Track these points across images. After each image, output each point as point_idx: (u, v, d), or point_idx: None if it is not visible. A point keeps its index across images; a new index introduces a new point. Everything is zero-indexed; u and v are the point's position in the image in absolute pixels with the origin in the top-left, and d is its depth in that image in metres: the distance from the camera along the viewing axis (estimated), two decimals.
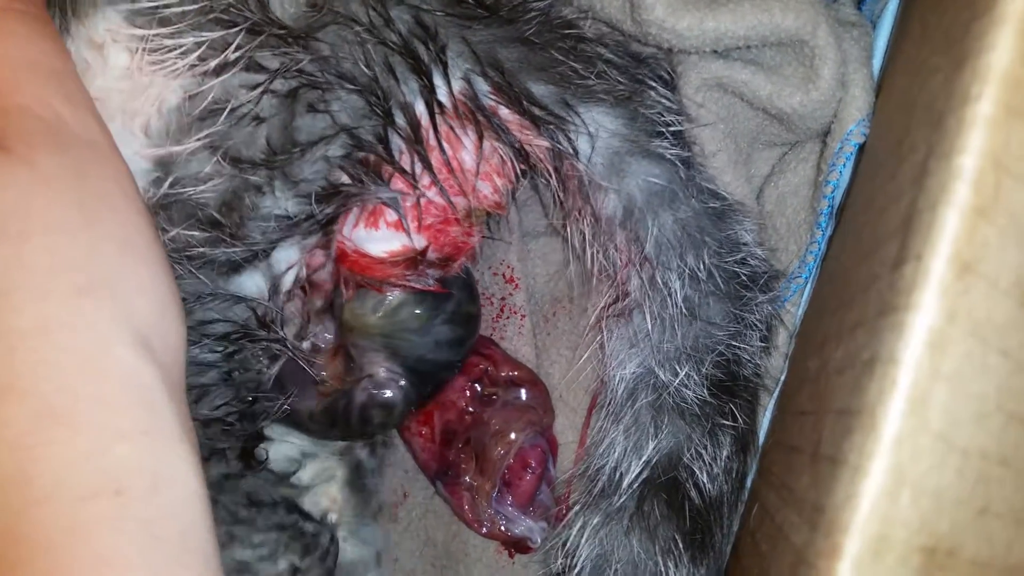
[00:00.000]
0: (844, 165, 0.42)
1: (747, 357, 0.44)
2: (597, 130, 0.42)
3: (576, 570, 0.43)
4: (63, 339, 0.28)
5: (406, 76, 0.39)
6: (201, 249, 0.38)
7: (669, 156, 0.42)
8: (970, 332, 0.24)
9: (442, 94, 0.40)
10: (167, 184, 0.37)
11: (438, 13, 0.39)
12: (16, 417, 0.27)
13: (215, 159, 0.37)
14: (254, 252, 0.40)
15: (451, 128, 0.42)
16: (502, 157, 0.44)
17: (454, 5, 0.39)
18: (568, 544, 0.44)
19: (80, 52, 0.37)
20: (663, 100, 0.43)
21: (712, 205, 0.44)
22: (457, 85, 0.40)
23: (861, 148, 0.42)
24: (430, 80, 0.39)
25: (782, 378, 0.45)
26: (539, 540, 0.48)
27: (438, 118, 0.41)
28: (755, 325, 0.44)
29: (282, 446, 0.48)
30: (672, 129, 0.42)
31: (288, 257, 0.42)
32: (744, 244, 0.44)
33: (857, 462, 0.24)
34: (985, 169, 0.24)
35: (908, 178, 0.28)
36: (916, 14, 0.39)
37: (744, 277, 0.44)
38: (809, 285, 0.45)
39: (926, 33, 0.35)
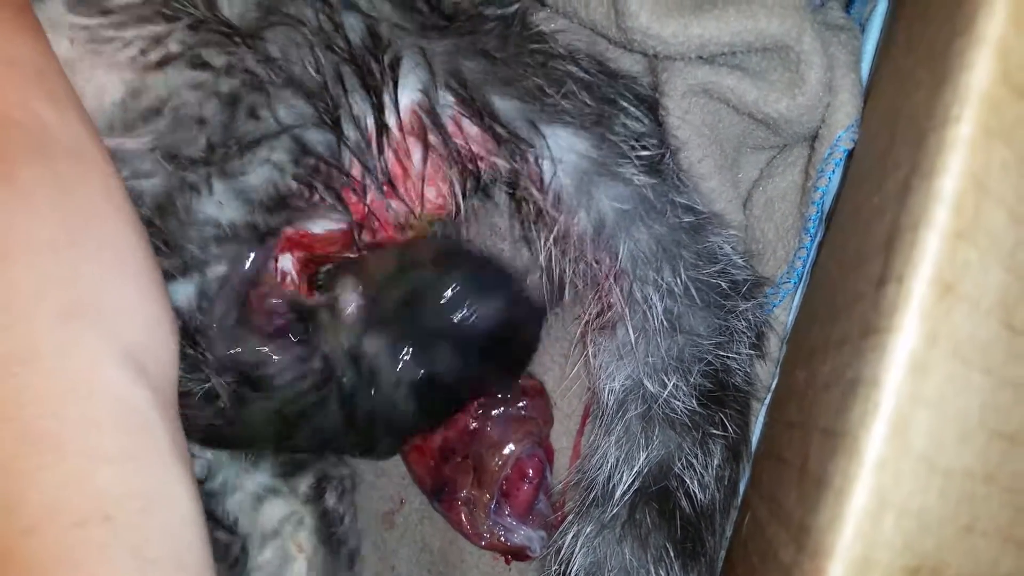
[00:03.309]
0: (833, 172, 0.42)
1: (736, 366, 0.44)
2: (562, 154, 0.42)
3: None
4: (49, 363, 0.27)
5: (355, 88, 0.39)
6: None
7: (636, 181, 0.42)
8: (952, 354, 0.24)
9: (390, 112, 0.40)
10: None
11: (395, 25, 0.38)
12: (1, 443, 0.27)
13: (153, 156, 0.36)
14: (186, 264, 0.38)
15: (399, 144, 0.42)
16: (446, 176, 0.44)
17: (409, 13, 0.38)
18: (562, 552, 0.44)
19: None
20: (633, 123, 0.43)
21: (687, 220, 0.44)
22: (413, 98, 0.40)
23: (850, 154, 0.42)
24: (379, 98, 0.39)
25: (773, 384, 0.45)
26: (538, 549, 0.48)
27: (384, 134, 0.40)
28: (743, 332, 0.44)
29: (246, 481, 0.48)
30: (638, 154, 0.42)
31: (220, 271, 0.40)
32: (723, 255, 0.44)
33: (841, 485, 0.24)
34: (965, 191, 0.24)
35: (892, 194, 0.28)
36: (903, 21, 0.39)
37: (725, 287, 0.44)
38: (799, 291, 0.45)
39: (912, 42, 0.35)
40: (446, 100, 0.41)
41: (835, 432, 0.26)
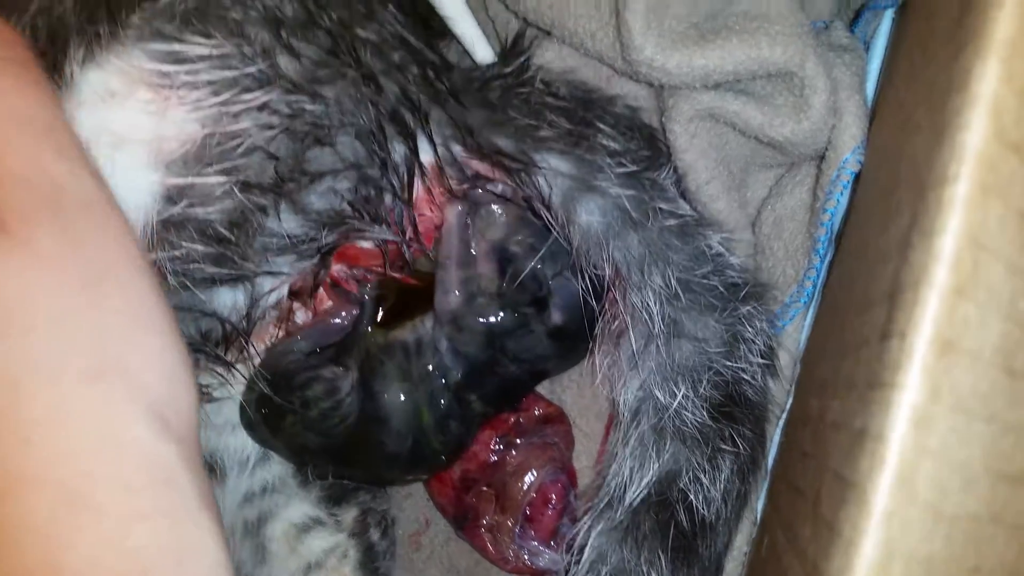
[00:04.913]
0: (841, 194, 0.43)
1: (747, 377, 0.45)
2: (553, 176, 0.45)
3: (579, 567, 0.45)
4: (77, 426, 0.28)
5: (393, 136, 0.42)
6: (201, 265, 0.40)
7: (613, 193, 0.44)
8: (954, 407, 0.25)
9: (426, 156, 0.44)
10: (180, 205, 0.39)
11: (422, 94, 0.43)
12: (39, 507, 0.27)
13: (228, 186, 0.39)
14: (249, 274, 0.42)
15: (431, 181, 0.46)
16: None
17: (429, 87, 0.43)
18: (575, 543, 0.46)
19: (108, 83, 0.38)
20: (608, 142, 0.45)
21: (672, 223, 0.45)
22: (437, 146, 0.44)
23: (857, 175, 0.42)
24: (415, 143, 0.43)
25: (789, 403, 0.46)
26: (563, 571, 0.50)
27: (417, 179, 0.45)
28: (751, 340, 0.45)
29: (289, 511, 0.50)
30: (615, 171, 0.44)
31: (274, 281, 0.44)
32: (715, 255, 0.45)
33: (851, 535, 0.25)
34: (963, 249, 0.25)
35: (894, 242, 0.29)
36: (905, 48, 0.40)
37: (721, 289, 0.45)
38: (811, 310, 0.46)
39: (913, 75, 0.35)
40: (456, 148, 0.45)
41: (845, 479, 0.27)
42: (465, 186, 0.47)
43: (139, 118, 0.38)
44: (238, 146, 0.39)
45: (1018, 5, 0.25)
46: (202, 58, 0.38)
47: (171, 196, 0.38)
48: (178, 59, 0.38)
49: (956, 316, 0.25)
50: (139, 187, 0.38)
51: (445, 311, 0.48)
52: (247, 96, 0.38)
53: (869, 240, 0.34)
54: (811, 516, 0.31)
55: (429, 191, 0.46)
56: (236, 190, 0.39)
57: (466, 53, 0.50)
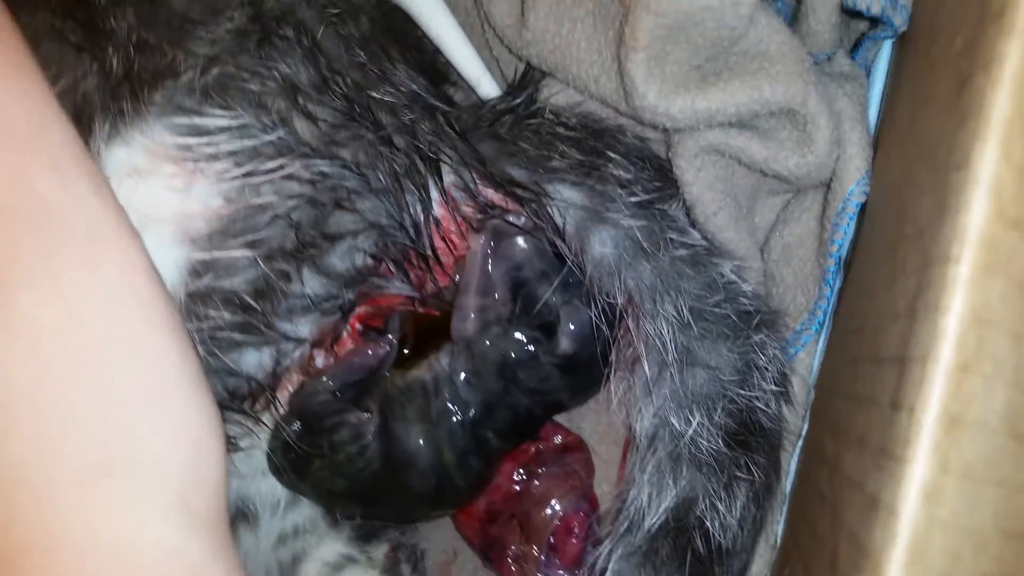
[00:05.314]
0: (848, 225, 0.43)
1: (761, 405, 0.46)
2: (565, 206, 0.46)
3: None
4: (87, 541, 0.23)
5: (409, 187, 0.44)
6: (229, 333, 0.41)
7: (625, 224, 0.46)
8: (963, 475, 0.26)
9: (435, 197, 0.45)
10: (207, 278, 0.40)
11: (435, 143, 0.44)
12: None
13: (252, 255, 0.40)
14: (274, 339, 0.43)
15: (445, 220, 0.47)
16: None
17: (442, 134, 0.44)
18: (596, 567, 0.47)
19: (133, 160, 0.39)
20: (620, 172, 0.46)
21: (681, 253, 0.46)
22: (449, 179, 0.45)
23: (862, 206, 0.43)
24: (427, 191, 0.44)
25: (804, 429, 0.47)
26: None
27: (431, 218, 0.46)
28: (764, 368, 0.46)
29: (322, 551, 0.51)
30: (626, 201, 0.46)
31: (299, 342, 0.45)
32: (727, 283, 0.46)
33: None
34: (967, 328, 0.26)
35: (902, 302, 0.30)
36: (906, 81, 0.40)
37: (734, 317, 0.46)
38: (823, 336, 0.47)
39: (914, 119, 0.36)
40: (470, 177, 0.46)
41: (860, 545, 0.28)
42: (481, 216, 0.48)
43: (164, 195, 0.39)
44: (261, 218, 0.40)
45: (1015, 83, 0.26)
46: (222, 129, 0.39)
47: (197, 270, 0.39)
48: (199, 131, 0.39)
49: (962, 391, 0.26)
50: (165, 264, 0.39)
51: (461, 337, 0.49)
52: (268, 164, 0.39)
53: (877, 285, 0.35)
54: (829, 568, 0.32)
55: (451, 224, 0.47)
56: (260, 260, 0.40)
57: (472, 91, 0.51)
